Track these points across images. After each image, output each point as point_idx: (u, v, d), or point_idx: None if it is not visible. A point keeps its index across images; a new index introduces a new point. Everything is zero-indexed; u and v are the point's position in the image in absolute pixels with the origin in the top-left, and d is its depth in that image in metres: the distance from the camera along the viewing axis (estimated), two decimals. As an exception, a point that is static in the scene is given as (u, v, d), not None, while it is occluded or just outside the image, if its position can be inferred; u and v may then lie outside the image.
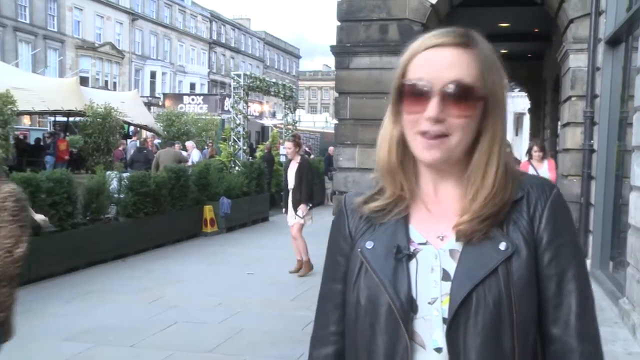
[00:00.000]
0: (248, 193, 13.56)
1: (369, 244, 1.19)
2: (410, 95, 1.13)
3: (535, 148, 8.55)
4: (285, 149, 8.54)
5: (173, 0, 50.79)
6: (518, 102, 34.77)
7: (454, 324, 1.08)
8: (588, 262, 8.40)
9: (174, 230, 10.85)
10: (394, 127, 1.19)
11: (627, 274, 6.13)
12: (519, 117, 39.94)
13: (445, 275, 1.12)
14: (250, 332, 5.82)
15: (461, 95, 1.09)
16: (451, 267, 1.12)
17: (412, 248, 1.16)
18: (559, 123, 11.02)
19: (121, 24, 44.59)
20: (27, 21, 36.09)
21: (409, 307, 1.11)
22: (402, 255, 1.14)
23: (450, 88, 1.09)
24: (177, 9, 51.45)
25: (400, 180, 1.20)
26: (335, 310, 1.26)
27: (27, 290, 7.31)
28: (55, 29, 38.34)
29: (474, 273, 1.08)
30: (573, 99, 8.77)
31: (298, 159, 8.30)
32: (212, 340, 5.55)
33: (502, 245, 1.10)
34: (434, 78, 1.10)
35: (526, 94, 23.27)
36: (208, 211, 11.83)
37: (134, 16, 45.49)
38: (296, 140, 8.52)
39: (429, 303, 1.11)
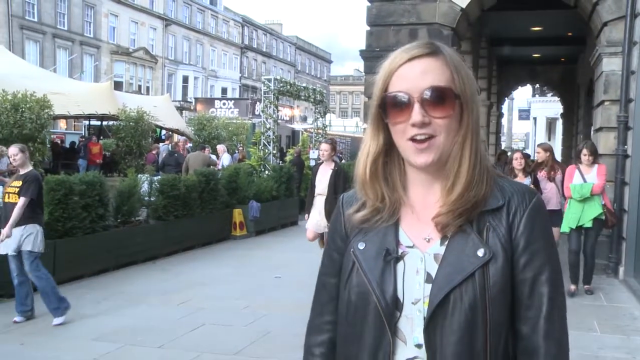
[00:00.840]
0: (277, 197, 13.62)
1: (361, 245, 1.28)
2: (393, 106, 1.23)
3: (584, 151, 7.53)
4: (322, 151, 8.11)
5: (206, 5, 51.39)
6: (550, 106, 34.23)
7: (432, 323, 1.18)
8: (621, 269, 8.23)
9: (204, 233, 10.96)
10: (373, 143, 1.30)
11: (661, 282, 5.99)
12: (551, 122, 39.32)
13: (428, 278, 1.21)
14: (277, 335, 5.83)
15: (439, 97, 1.20)
16: (434, 270, 1.21)
17: (400, 251, 1.25)
18: (592, 128, 10.82)
19: (155, 29, 45.28)
20: (65, 28, 36.92)
21: (394, 307, 1.21)
22: (390, 257, 1.24)
23: (428, 93, 1.20)
24: (209, 14, 52.04)
25: (380, 192, 1.29)
26: (330, 302, 1.37)
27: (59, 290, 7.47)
28: (92, 35, 39.13)
29: (452, 277, 1.18)
30: (606, 103, 8.61)
31: (332, 164, 7.95)
32: (239, 343, 5.59)
33: (481, 252, 1.19)
34: (412, 87, 1.21)
35: (559, 99, 22.92)
36: (237, 215, 11.92)
37: (167, 22, 46.16)
38: (333, 144, 8.28)
39: (413, 303, 1.21)
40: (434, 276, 1.20)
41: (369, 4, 9.99)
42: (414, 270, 1.22)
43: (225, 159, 16.68)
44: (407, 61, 1.22)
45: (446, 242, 1.21)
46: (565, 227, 7.48)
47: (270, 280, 8.30)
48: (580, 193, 7.26)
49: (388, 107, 1.23)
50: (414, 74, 1.21)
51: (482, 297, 1.16)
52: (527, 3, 11.50)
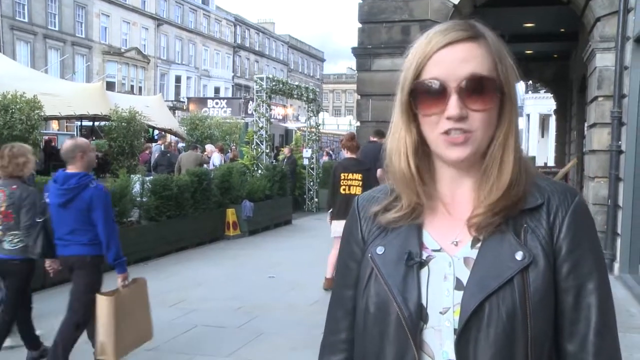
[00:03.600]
0: (271, 196, 13.55)
1: (380, 250, 1.15)
2: (426, 96, 1.09)
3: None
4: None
5: (198, 5, 51.25)
6: (543, 103, 34.30)
7: (464, 336, 1.03)
8: (616, 265, 8.21)
9: (197, 234, 10.88)
10: (407, 134, 1.15)
11: (656, 278, 5.96)
12: (544, 119, 39.36)
13: (458, 284, 1.07)
14: (270, 337, 5.78)
15: (480, 88, 1.06)
16: (465, 275, 1.07)
17: (425, 255, 1.11)
18: (586, 124, 10.81)
19: (147, 29, 45.12)
20: (56, 28, 36.74)
21: (418, 317, 1.07)
22: (414, 262, 1.10)
23: (468, 83, 1.06)
24: (201, 13, 51.90)
25: (417, 188, 1.14)
26: (346, 317, 1.23)
27: (50, 292, 7.38)
28: (83, 35, 38.96)
29: (487, 283, 1.03)
30: (600, 99, 8.59)
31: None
32: (232, 345, 5.52)
33: (519, 255, 1.05)
34: (449, 75, 1.07)
35: (552, 95, 22.94)
36: (230, 214, 11.85)
37: (159, 21, 46.01)
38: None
39: (441, 313, 1.07)
40: (464, 282, 1.06)
41: (361, 1, 9.94)
42: (441, 276, 1.08)
43: (215, 159, 16.62)
44: (446, 46, 1.07)
45: (478, 245, 1.08)
46: None
47: (263, 281, 8.23)
48: None
49: (420, 97, 1.09)
50: (452, 60, 1.07)
51: (522, 306, 1.02)
52: (520, -1, 11.49)
